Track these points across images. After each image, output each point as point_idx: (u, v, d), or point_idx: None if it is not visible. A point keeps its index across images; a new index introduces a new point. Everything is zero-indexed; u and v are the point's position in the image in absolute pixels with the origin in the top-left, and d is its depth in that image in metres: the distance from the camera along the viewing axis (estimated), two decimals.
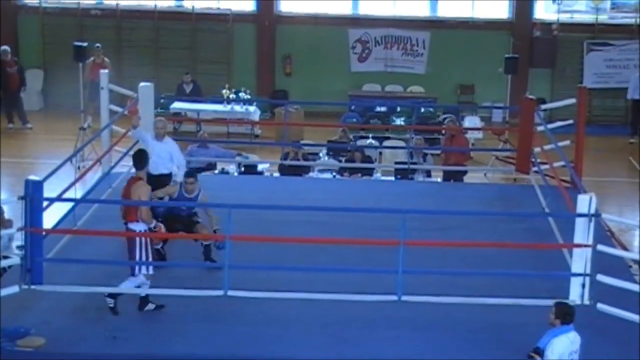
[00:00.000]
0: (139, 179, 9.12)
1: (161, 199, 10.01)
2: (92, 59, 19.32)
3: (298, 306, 9.01)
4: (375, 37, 21.93)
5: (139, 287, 8.89)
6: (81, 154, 14.47)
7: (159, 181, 10.50)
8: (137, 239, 8.81)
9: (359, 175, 14.84)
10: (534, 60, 21.54)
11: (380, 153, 16.75)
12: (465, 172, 14.75)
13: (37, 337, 8.27)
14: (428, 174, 15.01)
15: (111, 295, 8.85)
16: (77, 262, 9.49)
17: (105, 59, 19.59)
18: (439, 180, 14.80)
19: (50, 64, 21.96)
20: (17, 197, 8.69)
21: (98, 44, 19.69)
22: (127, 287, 8.85)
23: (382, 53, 21.94)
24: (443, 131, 16.29)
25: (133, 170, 9.56)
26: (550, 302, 8.84)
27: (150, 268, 8.89)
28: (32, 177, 8.76)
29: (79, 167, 14.11)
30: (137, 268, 8.83)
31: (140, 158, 9.32)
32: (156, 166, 10.60)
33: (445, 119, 18.85)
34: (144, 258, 8.82)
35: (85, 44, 18.27)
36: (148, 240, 8.86)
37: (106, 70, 13.83)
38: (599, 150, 17.81)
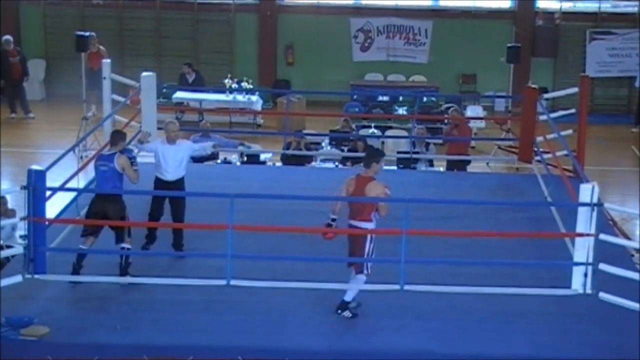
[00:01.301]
0: (372, 178, 8.84)
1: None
2: None
3: (300, 295, 9.02)
4: (377, 27, 21.90)
5: None
6: (84, 143, 14.49)
7: (177, 186, 10.06)
8: (369, 237, 8.74)
9: (362, 164, 14.82)
10: (537, 49, 21.52)
11: (383, 142, 16.75)
12: (468, 162, 14.75)
13: (41, 326, 8.29)
14: (430, 163, 15.01)
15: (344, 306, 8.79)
16: (80, 251, 9.47)
17: (101, 47, 19.55)
18: (442, 169, 14.80)
19: (53, 54, 21.99)
20: (20, 186, 8.69)
21: (92, 33, 19.64)
22: (358, 285, 8.81)
23: (384, 42, 21.92)
24: (446, 120, 16.28)
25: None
26: (552, 290, 8.88)
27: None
28: (35, 167, 8.75)
29: (81, 157, 14.12)
30: (365, 265, 8.75)
31: (375, 155, 9.03)
32: (174, 171, 10.07)
33: (448, 108, 18.83)
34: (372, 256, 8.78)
35: (87, 34, 18.27)
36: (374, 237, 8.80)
37: (108, 60, 13.83)
38: (601, 139, 17.81)
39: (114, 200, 9.32)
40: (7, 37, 20.04)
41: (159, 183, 10.09)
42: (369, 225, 8.80)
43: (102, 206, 9.29)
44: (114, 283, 9.20)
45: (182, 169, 10.14)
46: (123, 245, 9.27)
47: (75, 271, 9.23)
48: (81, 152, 14.31)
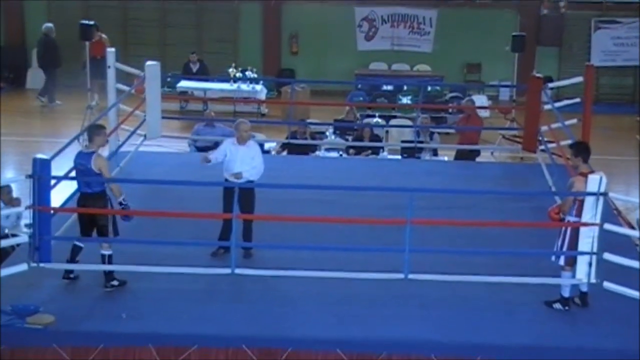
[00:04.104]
0: (581, 174, 8.82)
1: None
2: None
3: (305, 284, 9.03)
4: (381, 16, 21.88)
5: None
6: None
7: (247, 190, 9.45)
8: (566, 230, 8.81)
9: (368, 152, 14.86)
10: (541, 38, 21.48)
11: (387, 132, 16.75)
12: (478, 153, 14.72)
13: (47, 315, 8.32)
14: (435, 152, 15.00)
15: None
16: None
17: (103, 35, 19.51)
18: (447, 159, 14.78)
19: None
20: (25, 175, 8.71)
21: (94, 22, 19.60)
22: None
23: (389, 31, 21.90)
24: (452, 110, 16.27)
25: None
26: (556, 280, 8.88)
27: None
28: (40, 156, 8.78)
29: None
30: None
31: (586, 148, 9.10)
32: (245, 174, 9.56)
33: (453, 97, 18.87)
34: None
35: (91, 23, 18.26)
36: None
37: (112, 49, 13.82)
38: (606, 128, 17.76)
39: (97, 198, 8.99)
40: (49, 24, 20.01)
41: (228, 185, 9.52)
42: (571, 219, 8.82)
43: (86, 205, 9.01)
44: (120, 272, 9.21)
45: (253, 170, 9.61)
46: (103, 252, 8.99)
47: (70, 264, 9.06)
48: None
